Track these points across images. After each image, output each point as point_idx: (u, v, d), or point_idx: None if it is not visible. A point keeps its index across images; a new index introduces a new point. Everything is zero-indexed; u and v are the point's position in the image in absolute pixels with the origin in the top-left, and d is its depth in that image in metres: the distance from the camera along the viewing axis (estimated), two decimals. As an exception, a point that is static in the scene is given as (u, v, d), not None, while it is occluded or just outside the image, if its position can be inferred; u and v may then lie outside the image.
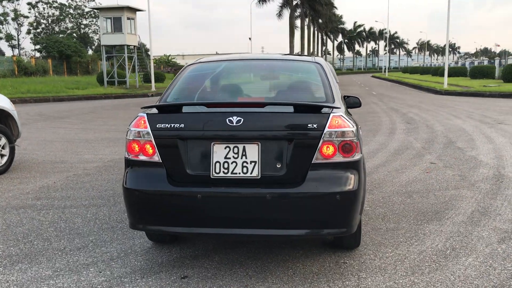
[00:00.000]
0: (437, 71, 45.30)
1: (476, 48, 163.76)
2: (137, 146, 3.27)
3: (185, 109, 3.27)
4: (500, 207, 4.95)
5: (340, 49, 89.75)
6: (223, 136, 3.14)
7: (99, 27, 46.96)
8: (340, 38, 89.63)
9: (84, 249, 3.98)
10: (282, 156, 3.13)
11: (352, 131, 3.16)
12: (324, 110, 3.20)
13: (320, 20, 45.58)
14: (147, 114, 3.29)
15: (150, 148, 3.22)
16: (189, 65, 4.15)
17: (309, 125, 3.10)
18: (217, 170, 3.14)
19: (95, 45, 75.96)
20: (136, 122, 3.29)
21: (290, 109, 3.20)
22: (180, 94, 3.78)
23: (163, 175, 3.20)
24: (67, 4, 72.45)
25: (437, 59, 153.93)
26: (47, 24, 72.92)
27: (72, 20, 74.99)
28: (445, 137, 9.79)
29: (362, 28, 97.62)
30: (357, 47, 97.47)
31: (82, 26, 76.37)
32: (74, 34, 73.23)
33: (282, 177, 3.12)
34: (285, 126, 3.14)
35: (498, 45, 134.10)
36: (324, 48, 71.98)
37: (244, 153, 3.12)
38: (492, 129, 10.86)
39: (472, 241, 4.05)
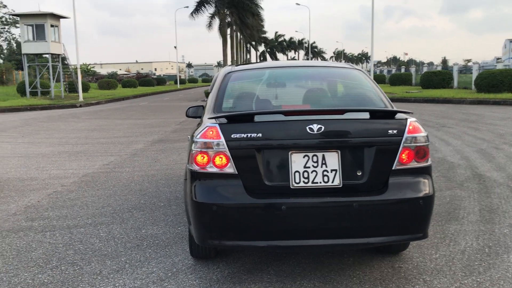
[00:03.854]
0: (359, 79, 47.32)
1: (387, 57, 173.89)
2: (205, 157, 3.08)
3: (258, 118, 3.14)
4: (501, 205, 5.25)
5: (263, 58, 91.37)
6: (302, 144, 3.04)
7: (11, 35, 43.27)
8: (262, 47, 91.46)
9: (123, 271, 3.68)
10: (363, 164, 3.09)
11: (426, 136, 3.20)
12: (399, 115, 3.22)
13: (248, 31, 46.41)
14: (219, 124, 3.10)
15: (223, 159, 3.05)
16: (228, 73, 3.97)
17: (389, 131, 3.09)
18: (297, 180, 3.04)
19: (6, 54, 71.05)
20: (205, 132, 3.10)
21: (366, 115, 3.18)
22: (235, 103, 3.62)
23: (240, 187, 3.04)
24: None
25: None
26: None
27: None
28: (404, 141, 10.22)
29: (282, 38, 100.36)
30: (278, 55, 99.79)
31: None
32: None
33: (363, 185, 3.09)
34: (365, 132, 3.10)
35: (406, 54, 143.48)
36: (248, 56, 72.89)
37: (324, 162, 3.05)
38: (441, 132, 11.53)
39: (500, 238, 4.25)
